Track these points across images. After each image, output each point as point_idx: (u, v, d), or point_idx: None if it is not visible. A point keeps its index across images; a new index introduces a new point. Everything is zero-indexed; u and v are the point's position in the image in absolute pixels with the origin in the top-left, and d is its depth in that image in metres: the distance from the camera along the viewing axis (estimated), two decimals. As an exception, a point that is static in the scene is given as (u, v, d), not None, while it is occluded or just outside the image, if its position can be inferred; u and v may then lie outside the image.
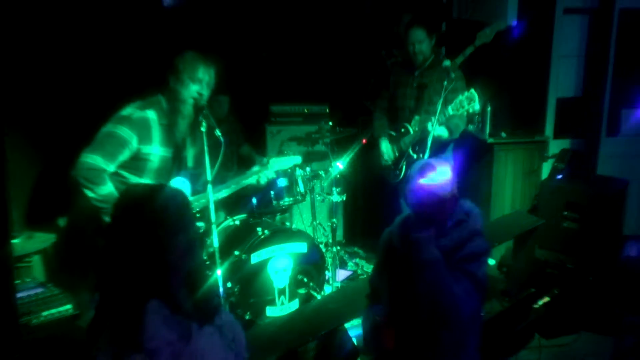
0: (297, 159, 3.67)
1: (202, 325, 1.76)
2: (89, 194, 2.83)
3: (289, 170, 4.16)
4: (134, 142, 2.93)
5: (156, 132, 3.01)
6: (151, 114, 2.99)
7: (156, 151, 3.02)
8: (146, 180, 3.02)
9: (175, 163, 3.19)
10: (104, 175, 2.84)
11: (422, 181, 2.43)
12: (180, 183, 3.23)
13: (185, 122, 3.07)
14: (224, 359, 1.80)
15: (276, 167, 3.59)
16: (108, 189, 2.85)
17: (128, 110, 2.96)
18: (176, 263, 1.73)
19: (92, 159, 2.82)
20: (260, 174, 3.50)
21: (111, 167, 2.88)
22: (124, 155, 2.92)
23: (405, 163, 4.28)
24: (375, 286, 2.79)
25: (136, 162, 2.98)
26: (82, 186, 2.82)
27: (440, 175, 2.43)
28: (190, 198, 3.25)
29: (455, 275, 2.35)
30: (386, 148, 4.32)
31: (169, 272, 1.72)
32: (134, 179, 2.99)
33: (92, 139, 2.89)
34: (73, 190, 2.92)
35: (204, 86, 3.02)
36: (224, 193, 3.45)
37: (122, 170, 2.96)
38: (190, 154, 3.23)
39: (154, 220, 1.72)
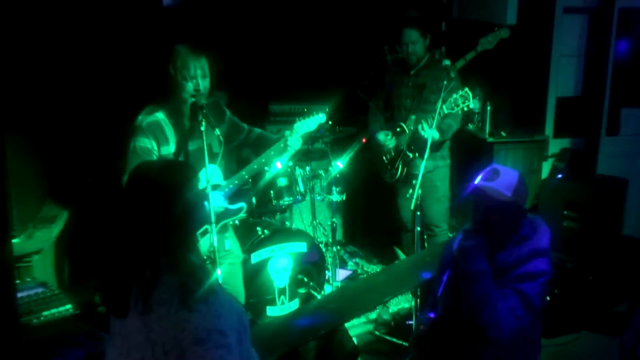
0: (322, 118, 3.40)
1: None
2: None
3: (289, 169, 4.16)
4: (155, 148, 2.98)
5: (170, 132, 3.03)
6: (160, 115, 3.01)
7: (173, 150, 3.04)
8: None
9: (193, 158, 3.15)
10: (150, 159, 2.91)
11: (480, 181, 2.34)
12: (212, 170, 3.16)
13: (188, 119, 3.07)
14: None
15: (302, 130, 3.36)
16: None
17: (139, 119, 3.00)
18: (178, 220, 1.73)
19: None
20: (288, 139, 3.29)
21: None
22: None
23: (401, 162, 4.28)
24: (433, 290, 2.67)
25: None
26: None
27: (501, 179, 2.32)
28: (224, 182, 3.25)
29: (504, 293, 2.25)
30: (384, 138, 4.30)
31: (171, 230, 1.73)
32: None
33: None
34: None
35: (198, 81, 3.00)
36: (249, 173, 3.33)
37: None
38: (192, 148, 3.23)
39: (159, 180, 1.74)
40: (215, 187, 3.15)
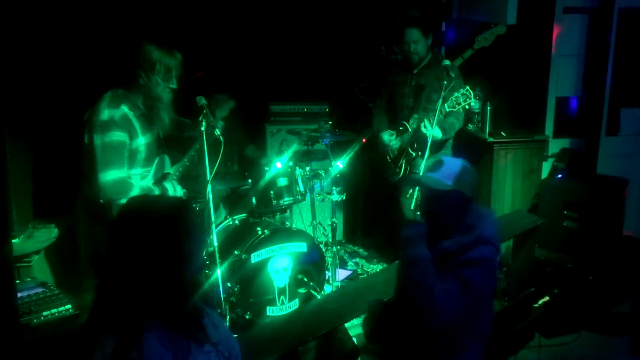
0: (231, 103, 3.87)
1: (200, 344, 1.73)
2: (124, 202, 2.94)
3: (289, 169, 4.17)
4: (128, 141, 3.01)
5: (137, 124, 3.07)
6: (125, 109, 3.03)
7: (142, 141, 3.09)
8: (137, 169, 3.11)
9: (158, 147, 3.28)
10: (127, 181, 2.99)
11: (424, 172, 2.41)
12: (163, 159, 3.33)
13: (165, 111, 3.14)
14: None
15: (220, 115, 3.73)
16: (136, 189, 3.02)
17: (106, 113, 2.98)
18: (176, 270, 1.70)
19: (109, 175, 2.95)
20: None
21: (126, 172, 3.01)
22: (127, 156, 3.01)
23: (404, 161, 4.28)
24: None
25: (131, 158, 3.06)
26: (115, 201, 2.96)
27: (444, 169, 2.39)
28: (172, 169, 3.38)
29: (444, 277, 2.32)
30: (388, 137, 4.31)
31: (170, 279, 1.69)
32: (130, 176, 3.06)
33: (90, 159, 2.98)
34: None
35: (174, 78, 3.08)
36: (191, 157, 3.46)
37: None
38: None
39: (162, 228, 1.70)
40: (166, 175, 3.31)
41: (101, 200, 2.96)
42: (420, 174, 3.61)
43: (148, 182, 3.18)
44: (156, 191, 3.16)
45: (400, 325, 2.49)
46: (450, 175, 2.37)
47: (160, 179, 3.26)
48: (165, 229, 1.69)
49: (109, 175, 2.94)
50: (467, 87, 3.82)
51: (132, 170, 3.08)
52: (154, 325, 1.65)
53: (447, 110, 3.87)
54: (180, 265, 1.70)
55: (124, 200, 2.89)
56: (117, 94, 3.05)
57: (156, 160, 3.24)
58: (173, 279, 1.69)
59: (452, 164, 2.42)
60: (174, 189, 3.28)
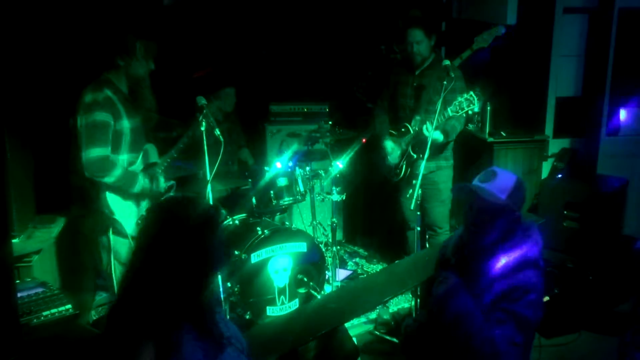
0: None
1: (220, 339, 1.75)
2: (108, 180, 3.09)
3: (289, 169, 4.17)
4: (112, 122, 3.10)
5: (121, 107, 3.15)
6: (109, 92, 3.12)
7: (126, 124, 3.17)
8: (124, 154, 3.19)
9: (144, 136, 3.38)
10: (109, 159, 3.08)
11: (475, 181, 2.30)
12: (150, 149, 3.42)
13: (147, 90, 3.29)
14: None
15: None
16: (119, 169, 3.11)
17: (89, 97, 3.09)
18: (208, 276, 1.74)
19: (92, 152, 3.04)
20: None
21: (109, 151, 3.10)
22: (111, 137, 3.10)
23: (405, 162, 4.28)
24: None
25: (115, 140, 3.13)
26: (98, 178, 3.08)
27: (498, 182, 2.27)
28: (159, 159, 3.45)
29: (498, 318, 2.19)
30: (392, 148, 4.31)
31: (202, 279, 1.72)
32: (113, 157, 3.15)
33: (78, 140, 3.08)
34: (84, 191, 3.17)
35: (152, 61, 3.24)
36: (179, 149, 3.49)
37: None
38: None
39: (195, 233, 1.72)
40: (153, 165, 3.40)
41: (86, 174, 3.06)
42: (420, 176, 3.59)
43: (136, 168, 3.27)
44: (142, 178, 3.24)
45: (438, 348, 2.39)
46: (505, 189, 2.26)
47: (146, 167, 3.34)
48: (202, 231, 1.72)
49: (92, 153, 3.03)
50: (471, 92, 3.74)
51: (119, 154, 3.17)
52: (187, 328, 1.67)
53: (450, 114, 3.83)
54: (210, 266, 1.72)
55: (107, 179, 3.07)
56: (101, 79, 3.17)
57: (144, 148, 3.34)
58: (204, 279, 1.71)
59: (507, 177, 2.30)
60: (159, 180, 3.36)
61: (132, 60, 3.15)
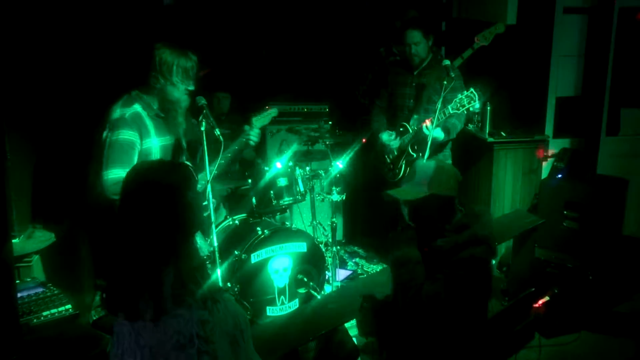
0: (274, 112, 3.75)
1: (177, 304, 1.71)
2: None
3: (289, 169, 4.16)
4: (138, 140, 2.99)
5: (150, 124, 3.06)
6: (138, 108, 3.03)
7: (155, 142, 3.07)
8: None
9: (177, 152, 3.25)
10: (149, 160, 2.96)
11: (401, 184, 2.47)
12: None
13: (182, 113, 3.14)
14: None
15: (259, 124, 3.61)
16: None
17: (117, 112, 2.99)
18: (183, 221, 1.74)
19: (113, 173, 2.93)
20: (250, 133, 3.49)
21: None
22: (136, 157, 2.99)
23: (404, 162, 4.28)
24: None
25: (142, 159, 3.03)
26: (117, 201, 2.89)
27: (418, 177, 2.44)
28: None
29: (434, 278, 2.35)
30: (388, 137, 4.31)
31: (176, 231, 1.72)
32: None
33: (99, 155, 2.98)
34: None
35: (192, 80, 3.07)
36: (220, 166, 3.40)
37: None
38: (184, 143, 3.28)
39: (164, 181, 1.73)
40: None
41: (106, 193, 2.97)
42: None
43: None
44: None
45: (396, 322, 2.51)
46: (424, 180, 2.41)
47: None
48: (174, 193, 1.72)
49: (112, 174, 2.94)
50: (472, 90, 3.77)
51: None
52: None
53: (451, 112, 3.84)
54: (183, 229, 1.73)
55: None
56: (132, 95, 3.07)
57: None
58: (178, 244, 1.72)
59: (425, 169, 2.45)
60: (211, 212, 3.20)
61: (169, 78, 3.01)
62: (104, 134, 2.99)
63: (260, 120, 3.60)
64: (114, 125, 2.97)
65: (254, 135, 3.47)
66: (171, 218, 1.71)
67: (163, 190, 1.72)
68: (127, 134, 2.96)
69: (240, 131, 3.51)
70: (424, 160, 3.71)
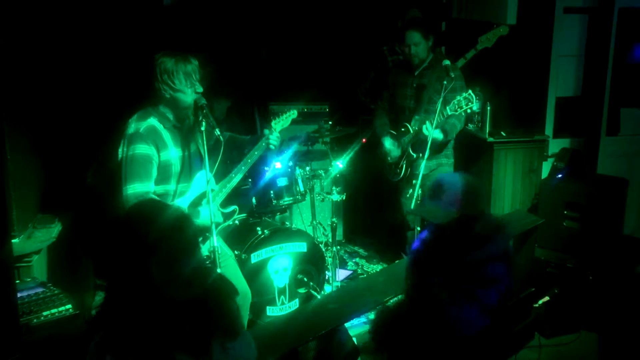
0: (294, 113, 3.63)
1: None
2: None
3: (289, 169, 4.16)
4: (155, 153, 2.97)
5: (167, 136, 3.03)
6: (153, 121, 3.01)
7: (174, 154, 3.05)
8: (172, 184, 3.06)
9: (196, 162, 3.20)
10: (149, 196, 2.92)
11: (426, 200, 2.37)
12: (203, 176, 3.17)
13: (191, 120, 3.12)
14: None
15: (279, 127, 3.53)
16: None
17: (132, 127, 2.98)
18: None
19: (133, 188, 2.90)
20: (270, 137, 3.42)
21: (152, 187, 2.96)
22: (155, 170, 2.97)
23: (405, 162, 4.28)
24: None
25: (162, 171, 3.01)
26: None
27: (446, 197, 2.32)
28: (216, 186, 3.27)
29: (460, 302, 2.27)
30: (390, 146, 4.32)
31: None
32: (161, 188, 3.02)
33: (118, 172, 2.96)
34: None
35: (197, 82, 3.04)
36: (239, 174, 3.37)
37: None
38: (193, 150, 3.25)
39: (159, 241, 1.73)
40: (201, 196, 3.17)
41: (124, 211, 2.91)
42: (420, 176, 3.62)
43: (184, 202, 3.11)
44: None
45: (413, 335, 2.42)
46: (454, 202, 2.29)
47: (195, 200, 3.17)
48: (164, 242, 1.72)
49: (131, 189, 2.91)
50: (470, 91, 3.79)
51: (167, 185, 3.04)
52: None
53: (449, 113, 3.86)
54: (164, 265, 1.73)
55: None
56: (146, 109, 3.04)
57: (199, 174, 3.17)
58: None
59: (453, 188, 2.32)
60: (210, 213, 3.02)
61: (172, 89, 2.98)
62: (120, 150, 2.98)
63: (280, 124, 3.53)
64: (130, 140, 2.95)
65: (273, 139, 3.41)
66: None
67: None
68: (142, 148, 2.93)
69: (260, 136, 3.46)
70: (424, 161, 3.70)
